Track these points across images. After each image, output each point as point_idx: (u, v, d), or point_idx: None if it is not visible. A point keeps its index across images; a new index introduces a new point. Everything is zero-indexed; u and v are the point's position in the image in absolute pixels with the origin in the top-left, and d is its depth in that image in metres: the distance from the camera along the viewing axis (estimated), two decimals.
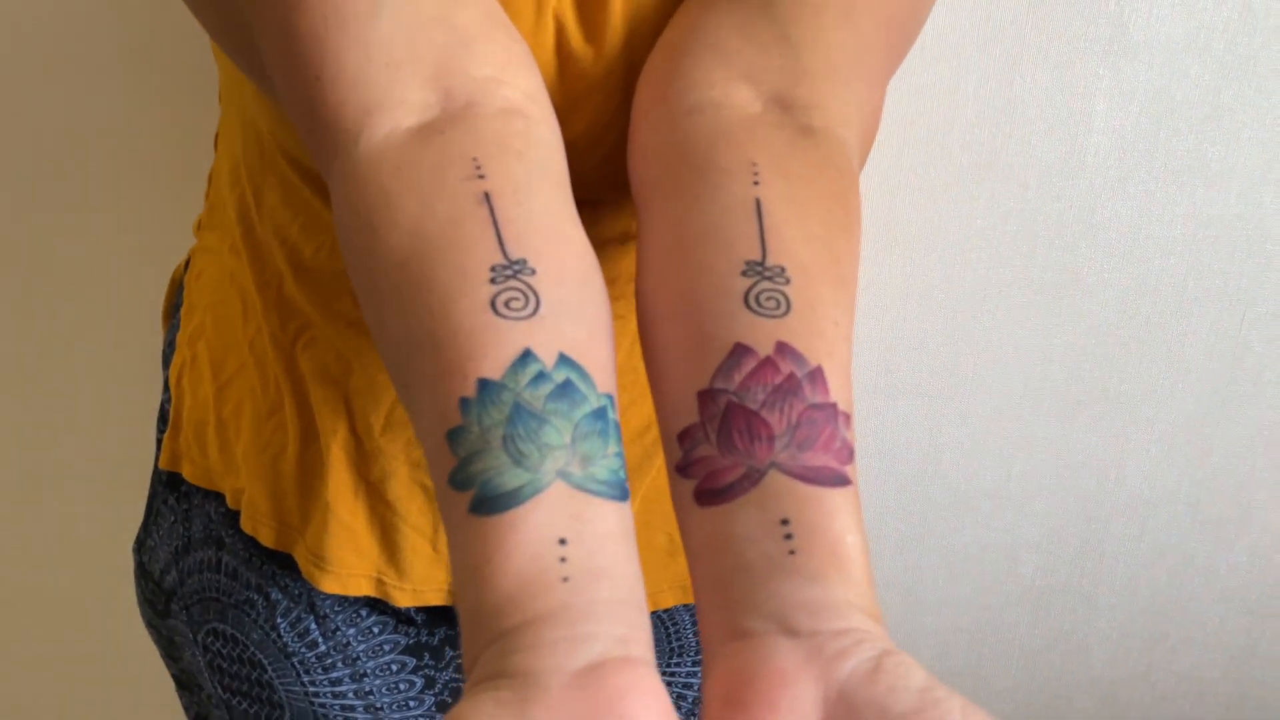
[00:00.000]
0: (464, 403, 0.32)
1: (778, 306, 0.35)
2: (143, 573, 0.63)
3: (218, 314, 0.57)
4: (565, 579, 0.29)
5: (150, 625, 0.63)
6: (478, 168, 0.36)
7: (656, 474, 0.55)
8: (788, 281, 0.35)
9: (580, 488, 0.31)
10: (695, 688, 0.63)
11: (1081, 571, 0.92)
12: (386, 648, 0.57)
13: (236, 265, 0.56)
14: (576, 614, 0.29)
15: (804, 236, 0.37)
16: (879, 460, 0.87)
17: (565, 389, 0.32)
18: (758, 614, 0.30)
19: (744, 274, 0.35)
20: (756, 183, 0.38)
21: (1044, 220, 0.80)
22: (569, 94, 0.45)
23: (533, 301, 0.33)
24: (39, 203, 0.84)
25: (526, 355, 0.32)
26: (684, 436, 0.34)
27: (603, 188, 0.47)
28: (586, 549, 0.30)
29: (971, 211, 0.80)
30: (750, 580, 0.31)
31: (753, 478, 0.32)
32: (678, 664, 0.62)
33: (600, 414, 0.32)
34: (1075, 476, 0.89)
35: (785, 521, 0.31)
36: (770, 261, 0.36)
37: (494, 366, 0.32)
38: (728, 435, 0.33)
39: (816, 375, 0.34)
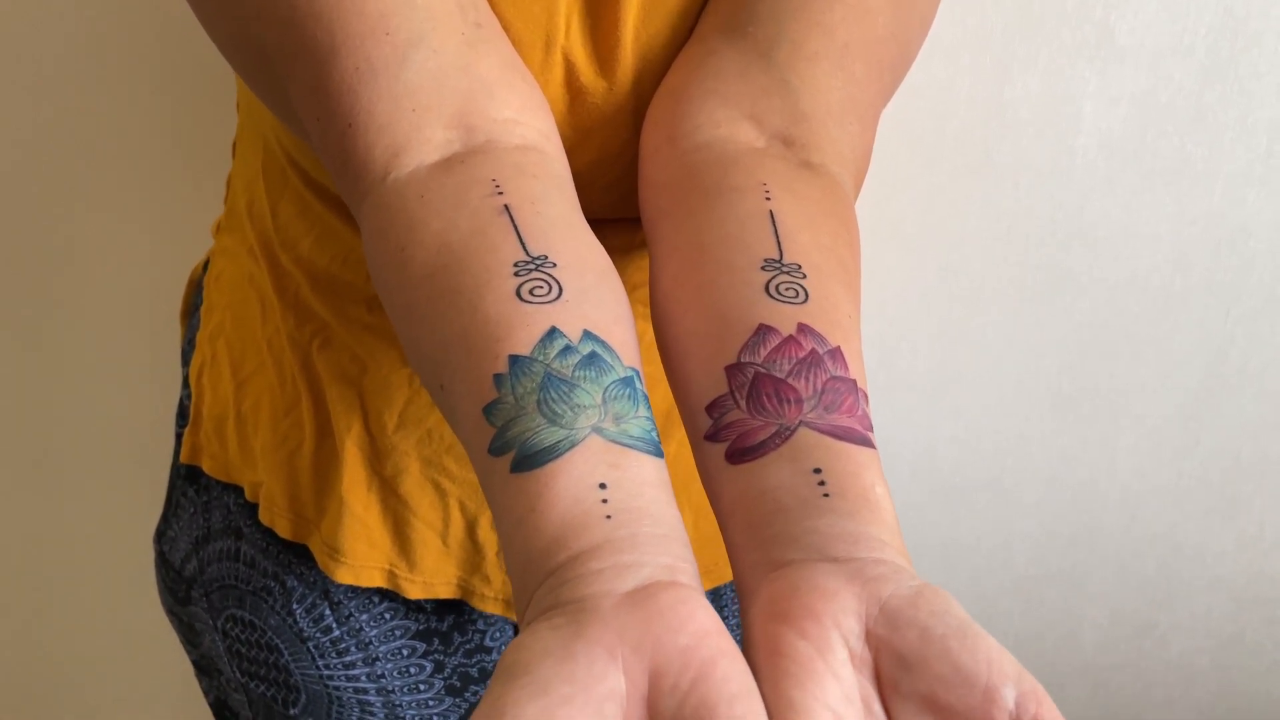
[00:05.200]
0: (497, 378, 0.34)
1: (797, 295, 0.37)
2: (163, 562, 0.65)
3: (236, 314, 0.60)
4: (608, 517, 0.31)
5: (171, 612, 0.66)
6: (497, 187, 0.38)
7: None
8: (804, 276, 0.38)
9: (615, 441, 0.33)
10: None
11: (1073, 562, 0.94)
12: (398, 633, 0.59)
13: (255, 269, 0.58)
14: (621, 545, 0.30)
15: (815, 245, 0.39)
16: None
17: (592, 359, 0.34)
18: (797, 546, 0.32)
19: (763, 268, 0.38)
20: (768, 198, 0.40)
21: (1035, 219, 0.82)
22: (579, 126, 0.47)
23: (556, 288, 0.36)
24: (59, 205, 0.87)
25: (553, 331, 0.34)
26: (713, 407, 0.36)
27: (609, 210, 0.50)
28: (626, 492, 0.32)
29: (965, 211, 0.82)
30: (787, 519, 0.32)
31: (784, 434, 0.34)
32: None
33: (627, 382, 0.34)
34: (1067, 469, 0.91)
35: (818, 470, 0.33)
36: (787, 260, 0.38)
37: (523, 344, 0.34)
38: (757, 399, 0.35)
39: (836, 354, 0.36)
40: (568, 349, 0.34)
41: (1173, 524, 0.93)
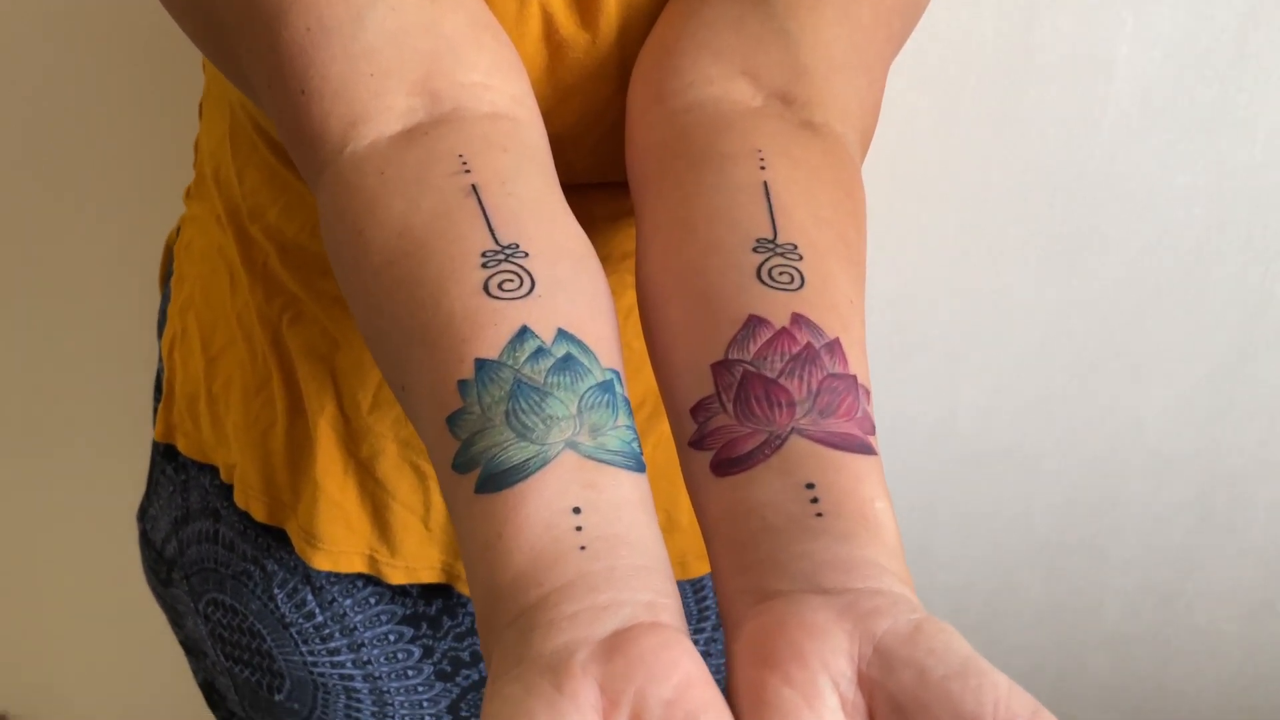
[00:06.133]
0: (462, 385, 0.31)
1: (791, 281, 0.33)
2: (146, 541, 0.63)
3: (206, 286, 0.57)
4: (582, 547, 0.28)
5: (155, 593, 0.64)
6: (464, 163, 0.35)
7: (653, 449, 0.54)
8: (800, 258, 0.34)
9: (591, 457, 0.30)
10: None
11: (1096, 529, 0.91)
12: (383, 618, 0.57)
13: (223, 238, 0.55)
14: (596, 582, 0.28)
15: (813, 219, 0.35)
16: (892, 420, 0.85)
17: (566, 363, 0.31)
18: (785, 574, 0.29)
19: (755, 250, 0.34)
20: (763, 167, 0.36)
21: (1063, 171, 0.78)
22: (560, 84, 0.44)
23: (527, 282, 0.32)
24: (34, 167, 0.83)
25: (523, 332, 0.31)
26: (698, 409, 0.33)
27: (593, 174, 0.46)
28: (603, 516, 0.29)
29: (987, 163, 0.78)
30: (775, 542, 0.29)
31: (773, 444, 0.31)
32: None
33: (606, 387, 0.31)
34: (1092, 433, 0.87)
35: (810, 485, 0.30)
36: (782, 239, 0.34)
37: (490, 346, 0.31)
38: (745, 403, 0.32)
39: (834, 347, 0.33)
40: (540, 351, 0.31)
41: (1201, 491, 0.89)
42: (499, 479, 0.29)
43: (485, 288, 0.32)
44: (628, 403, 0.32)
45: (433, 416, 0.31)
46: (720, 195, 0.36)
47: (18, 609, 1.03)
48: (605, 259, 0.49)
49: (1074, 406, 0.86)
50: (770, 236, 0.34)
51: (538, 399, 0.30)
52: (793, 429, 0.31)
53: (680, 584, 0.60)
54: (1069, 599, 0.94)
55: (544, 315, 0.32)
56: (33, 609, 1.03)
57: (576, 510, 0.29)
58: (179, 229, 0.62)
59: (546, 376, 0.30)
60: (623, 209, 0.48)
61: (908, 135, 0.76)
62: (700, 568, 0.58)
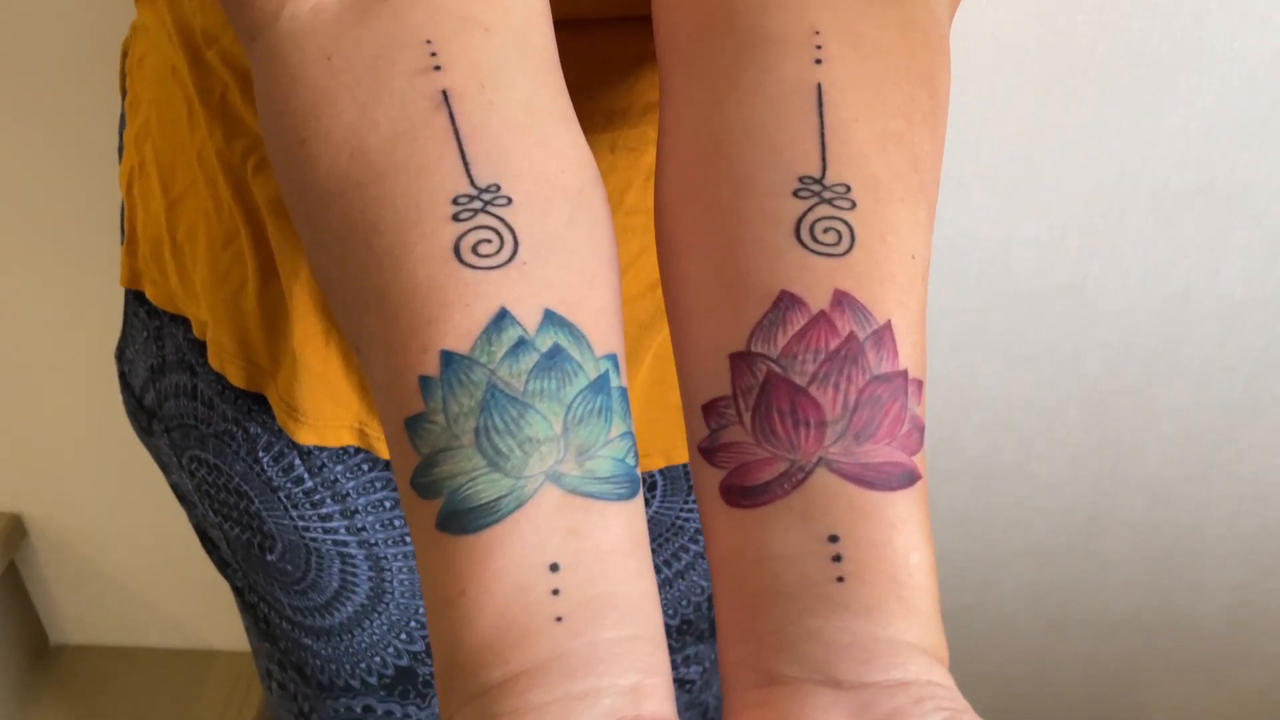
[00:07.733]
0: (424, 383, 0.25)
1: (838, 241, 0.27)
2: (125, 384, 0.58)
3: (163, 114, 0.49)
4: (559, 618, 0.24)
5: (140, 439, 0.60)
6: (433, 53, 0.27)
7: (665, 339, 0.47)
8: (852, 205, 0.27)
9: (576, 491, 0.25)
10: None
11: (1151, 374, 0.85)
12: (378, 485, 0.53)
13: (176, 58, 0.46)
14: (574, 664, 0.24)
15: (876, 135, 0.28)
16: (941, 254, 0.78)
17: (553, 359, 0.25)
18: (792, 656, 0.25)
19: (796, 194, 0.27)
20: (819, 59, 0.29)
21: None
22: None
23: (509, 243, 0.26)
24: None
25: (502, 317, 0.25)
26: (710, 411, 0.27)
27: (605, 8, 0.37)
28: (585, 574, 0.25)
29: None
30: (785, 612, 0.25)
31: (795, 477, 0.26)
32: (694, 504, 0.58)
33: (599, 385, 0.26)
34: (1162, 276, 0.79)
35: (834, 538, 0.25)
36: (831, 178, 0.28)
37: (460, 335, 0.25)
38: (766, 418, 0.26)
39: (884, 335, 0.27)
40: (521, 343, 0.25)
41: (1272, 339, 0.82)
42: (465, 518, 0.24)
43: (456, 250, 0.26)
44: (624, 395, 0.26)
45: (389, 410, 0.26)
46: (761, 104, 0.28)
47: (28, 415, 1.01)
48: (624, 112, 0.41)
49: (1146, 247, 0.78)
50: (817, 173, 0.27)
51: (515, 415, 0.24)
52: (820, 460, 0.26)
53: (672, 467, 0.55)
54: (1110, 443, 0.89)
55: (529, 291, 0.26)
56: (44, 415, 1.01)
57: (554, 568, 0.24)
58: (133, 35, 0.53)
59: (528, 381, 0.25)
60: (642, 51, 0.40)
61: None
62: (658, 461, 0.54)
